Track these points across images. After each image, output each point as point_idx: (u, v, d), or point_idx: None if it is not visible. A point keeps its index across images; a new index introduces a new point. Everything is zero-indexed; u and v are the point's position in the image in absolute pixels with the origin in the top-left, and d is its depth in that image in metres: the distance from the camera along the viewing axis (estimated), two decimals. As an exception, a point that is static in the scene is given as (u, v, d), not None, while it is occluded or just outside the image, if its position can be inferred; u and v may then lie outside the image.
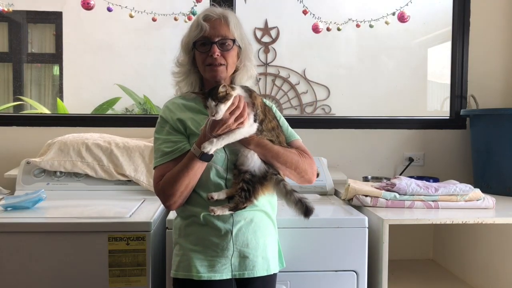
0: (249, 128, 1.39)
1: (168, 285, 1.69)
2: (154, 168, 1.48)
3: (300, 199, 1.41)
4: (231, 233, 1.41)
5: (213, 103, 1.31)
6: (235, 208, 1.39)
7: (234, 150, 1.44)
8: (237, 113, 1.34)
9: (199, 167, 1.39)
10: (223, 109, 1.31)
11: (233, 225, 1.41)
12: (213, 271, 1.40)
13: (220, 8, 1.54)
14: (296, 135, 1.60)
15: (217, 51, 1.48)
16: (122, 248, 1.63)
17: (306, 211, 1.41)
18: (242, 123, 1.36)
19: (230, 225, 1.41)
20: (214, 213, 1.38)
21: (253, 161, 1.41)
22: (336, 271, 1.73)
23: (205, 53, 1.49)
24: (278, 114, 1.59)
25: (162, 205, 1.91)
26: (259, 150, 1.42)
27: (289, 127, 1.60)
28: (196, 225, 1.44)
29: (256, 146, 1.41)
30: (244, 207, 1.40)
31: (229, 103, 1.32)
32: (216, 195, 1.40)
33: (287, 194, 1.42)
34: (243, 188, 1.39)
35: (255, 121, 1.41)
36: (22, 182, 2.14)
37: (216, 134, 1.34)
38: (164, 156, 1.45)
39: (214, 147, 1.34)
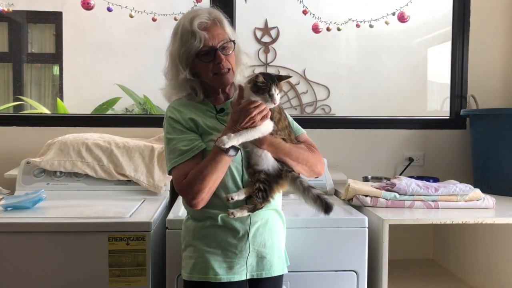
0: (267, 126, 1.39)
1: (168, 285, 1.69)
2: (172, 168, 1.43)
3: (318, 196, 1.41)
4: (248, 234, 1.41)
5: (277, 91, 1.35)
6: (254, 209, 1.39)
7: (248, 150, 1.43)
8: (262, 107, 1.34)
9: (226, 162, 1.36)
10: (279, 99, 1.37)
11: (250, 226, 1.41)
12: (232, 273, 1.40)
13: (205, 8, 1.51)
14: (301, 128, 1.59)
15: (223, 58, 1.45)
16: (122, 248, 1.63)
17: (326, 207, 1.40)
18: (266, 116, 1.36)
19: (247, 226, 1.41)
20: (234, 216, 1.37)
21: (267, 160, 1.41)
22: (336, 271, 1.73)
23: (210, 62, 1.46)
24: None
25: (162, 205, 1.92)
26: (272, 149, 1.41)
27: (294, 122, 1.60)
28: (213, 227, 1.43)
29: (269, 146, 1.41)
30: (262, 207, 1.40)
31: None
32: (236, 196, 1.39)
33: (304, 191, 1.42)
34: (260, 188, 1.39)
35: (272, 120, 1.41)
36: (22, 182, 2.14)
37: (240, 128, 1.34)
38: (183, 155, 1.41)
39: (231, 142, 1.32)
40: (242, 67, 1.57)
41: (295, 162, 1.44)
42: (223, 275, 1.39)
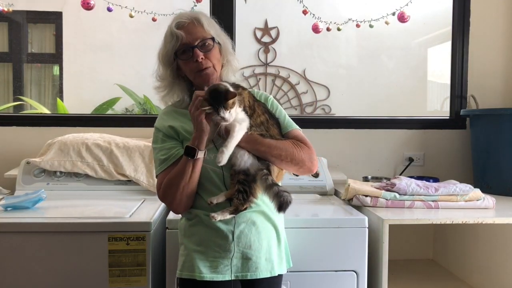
0: (245, 123, 1.37)
1: (168, 285, 1.69)
2: (156, 177, 1.50)
3: (278, 193, 1.36)
4: (233, 235, 1.41)
5: (226, 112, 1.30)
6: (236, 211, 1.38)
7: None
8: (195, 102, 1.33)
9: (190, 165, 1.37)
10: (233, 114, 1.32)
11: (234, 227, 1.41)
12: (216, 272, 1.40)
13: (189, 12, 1.53)
14: (294, 125, 1.55)
15: (200, 55, 1.46)
16: (122, 248, 1.63)
17: (280, 204, 1.36)
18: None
19: (232, 227, 1.41)
20: (215, 220, 1.36)
21: (244, 160, 1.38)
22: (336, 271, 1.73)
23: (189, 60, 1.48)
24: (275, 105, 1.57)
25: (162, 205, 1.92)
26: (250, 146, 1.39)
27: (287, 117, 1.57)
28: (200, 226, 1.44)
29: (246, 143, 1.39)
30: (245, 209, 1.39)
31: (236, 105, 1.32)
32: (215, 199, 1.39)
33: (267, 187, 1.38)
34: (240, 189, 1.37)
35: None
36: (22, 182, 2.14)
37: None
38: (162, 164, 1.46)
39: (226, 154, 1.33)
40: (230, 68, 1.57)
41: (278, 160, 1.42)
42: (206, 274, 1.40)
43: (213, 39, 1.49)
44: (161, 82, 1.57)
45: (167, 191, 1.42)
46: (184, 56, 1.48)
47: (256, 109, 1.44)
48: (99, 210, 1.91)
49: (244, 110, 1.40)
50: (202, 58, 1.46)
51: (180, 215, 1.54)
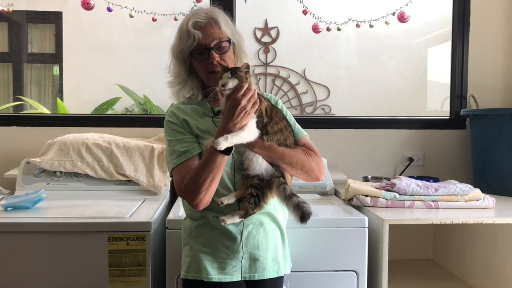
0: (256, 130, 1.37)
1: (168, 285, 1.69)
2: (172, 170, 1.44)
3: (298, 204, 1.38)
4: (241, 236, 1.41)
5: (229, 75, 1.32)
6: (245, 215, 1.38)
7: (240, 152, 1.41)
8: (249, 94, 1.31)
9: (220, 161, 1.34)
10: (231, 85, 1.32)
11: (243, 228, 1.41)
12: (224, 273, 1.40)
13: (205, 8, 1.52)
14: (303, 131, 1.57)
15: (216, 57, 1.46)
16: (122, 248, 1.63)
17: (302, 215, 1.37)
18: (256, 102, 1.34)
19: (240, 228, 1.41)
20: (225, 223, 1.36)
21: (258, 164, 1.39)
22: (336, 271, 1.74)
23: (204, 61, 1.47)
24: (284, 110, 1.57)
25: (162, 205, 1.92)
26: (264, 152, 1.40)
27: (296, 123, 1.58)
28: (207, 227, 1.43)
29: (261, 149, 1.39)
30: (254, 213, 1.39)
31: (237, 82, 1.32)
32: (225, 200, 1.38)
33: (285, 198, 1.39)
34: (252, 193, 1.37)
35: (257, 127, 1.38)
36: (22, 182, 2.14)
37: (234, 124, 1.31)
38: (181, 156, 1.42)
39: (227, 143, 1.31)
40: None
41: (289, 167, 1.43)
42: (214, 275, 1.40)
43: (229, 40, 1.48)
44: (176, 78, 1.55)
45: (191, 185, 1.36)
46: (200, 57, 1.47)
47: (274, 116, 1.44)
48: (99, 210, 1.91)
49: (260, 117, 1.38)
50: (217, 60, 1.45)
51: (180, 216, 1.54)
